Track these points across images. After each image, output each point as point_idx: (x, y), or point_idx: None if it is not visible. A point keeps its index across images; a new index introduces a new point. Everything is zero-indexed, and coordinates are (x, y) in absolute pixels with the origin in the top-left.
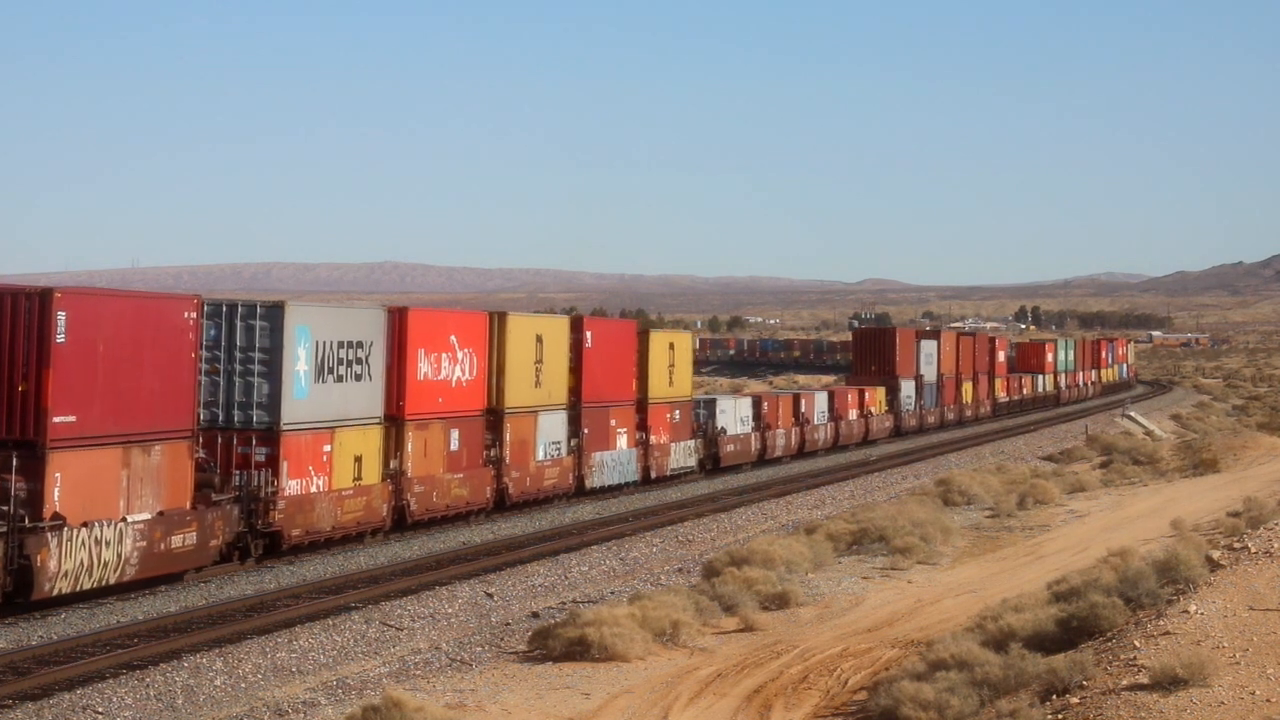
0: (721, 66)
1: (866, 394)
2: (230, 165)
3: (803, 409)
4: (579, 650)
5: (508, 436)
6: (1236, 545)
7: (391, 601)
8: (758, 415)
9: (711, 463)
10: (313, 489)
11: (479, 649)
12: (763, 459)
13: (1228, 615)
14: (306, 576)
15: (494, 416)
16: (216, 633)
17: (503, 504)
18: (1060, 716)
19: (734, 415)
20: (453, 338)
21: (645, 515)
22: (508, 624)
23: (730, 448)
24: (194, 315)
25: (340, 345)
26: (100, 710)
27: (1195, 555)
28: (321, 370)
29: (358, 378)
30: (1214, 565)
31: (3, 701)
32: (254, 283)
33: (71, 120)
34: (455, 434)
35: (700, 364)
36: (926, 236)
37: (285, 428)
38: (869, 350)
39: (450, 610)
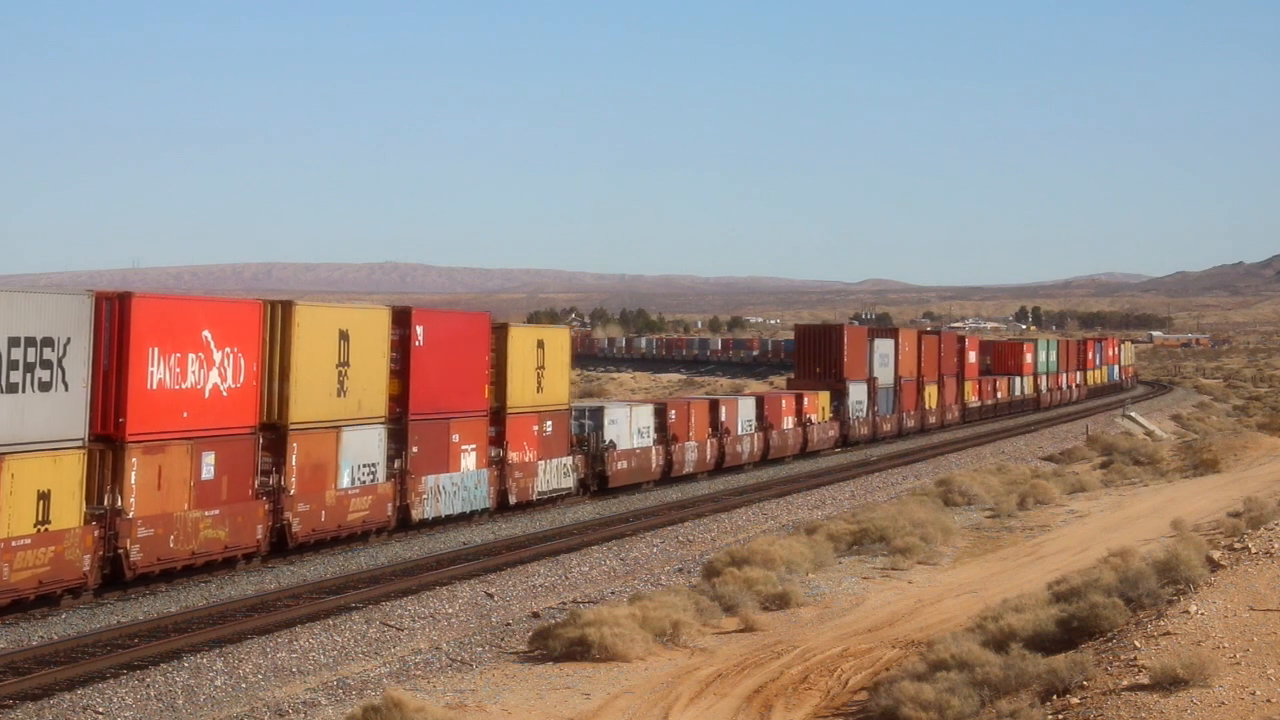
0: (723, 67)
1: (806, 399)
2: (230, 165)
3: (722, 418)
4: (579, 650)
5: (294, 459)
6: (1237, 545)
7: (392, 601)
8: (662, 426)
9: (598, 483)
10: None
11: (479, 649)
12: (668, 476)
13: (1228, 615)
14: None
15: (274, 434)
16: (217, 633)
17: (284, 546)
18: (1060, 717)
19: (628, 426)
20: (206, 334)
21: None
22: (508, 624)
23: (622, 464)
24: None
25: (14, 343)
26: (101, 710)
27: (1195, 555)
28: None
29: (44, 386)
30: (1214, 565)
31: (3, 701)
32: (255, 283)
33: (72, 120)
34: (210, 458)
35: (710, 363)
36: (927, 236)
37: None
38: (813, 351)
39: (451, 610)
